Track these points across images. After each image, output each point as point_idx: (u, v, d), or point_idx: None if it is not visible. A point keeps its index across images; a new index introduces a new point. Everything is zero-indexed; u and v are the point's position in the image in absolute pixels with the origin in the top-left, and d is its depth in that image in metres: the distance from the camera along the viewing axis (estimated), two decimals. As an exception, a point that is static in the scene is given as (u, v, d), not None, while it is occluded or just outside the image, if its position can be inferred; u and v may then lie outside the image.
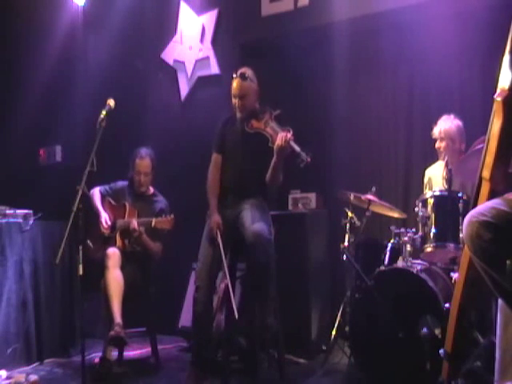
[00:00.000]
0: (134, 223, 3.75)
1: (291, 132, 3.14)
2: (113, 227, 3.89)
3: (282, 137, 3.10)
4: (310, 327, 4.00)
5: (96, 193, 4.01)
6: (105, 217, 3.90)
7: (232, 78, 3.43)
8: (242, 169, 3.36)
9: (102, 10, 5.55)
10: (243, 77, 3.37)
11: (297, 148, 3.11)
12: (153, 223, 3.72)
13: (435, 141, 3.70)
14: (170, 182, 4.81)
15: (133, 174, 4.03)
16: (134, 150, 4.05)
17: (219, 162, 3.45)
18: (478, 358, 2.43)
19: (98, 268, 3.64)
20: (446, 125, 3.63)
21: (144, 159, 3.98)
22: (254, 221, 3.16)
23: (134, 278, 3.78)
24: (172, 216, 3.74)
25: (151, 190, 4.13)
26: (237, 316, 3.07)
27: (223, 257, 3.20)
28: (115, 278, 3.58)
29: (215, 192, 3.39)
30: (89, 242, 3.89)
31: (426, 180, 3.85)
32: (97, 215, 3.90)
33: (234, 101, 3.40)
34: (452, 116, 3.66)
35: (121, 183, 4.14)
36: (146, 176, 4.01)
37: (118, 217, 3.93)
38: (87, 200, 3.74)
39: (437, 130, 3.67)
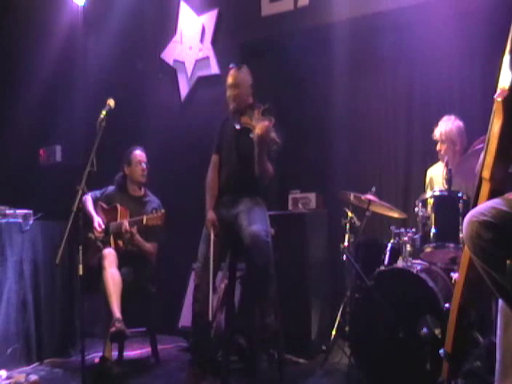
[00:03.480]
0: (125, 225, 3.77)
1: (272, 121, 3.07)
2: (106, 231, 3.91)
3: (261, 126, 3.03)
4: (310, 327, 4.00)
5: (88, 199, 4.01)
6: (98, 221, 3.92)
7: (228, 70, 3.46)
8: (235, 167, 3.36)
9: (102, 10, 5.55)
10: (238, 67, 3.44)
11: (276, 139, 3.07)
12: (144, 221, 3.72)
13: (436, 141, 3.69)
14: (170, 182, 4.81)
15: (129, 168, 4.06)
16: (127, 150, 4.09)
17: (217, 162, 3.46)
18: (478, 358, 2.43)
19: (96, 272, 3.65)
20: (446, 127, 3.61)
21: (142, 151, 4.09)
22: (251, 222, 3.14)
23: (133, 278, 3.79)
24: (163, 211, 3.74)
25: (142, 190, 4.14)
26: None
27: (210, 254, 3.19)
28: (112, 276, 3.59)
29: (212, 192, 3.40)
30: (90, 235, 3.91)
31: (427, 180, 3.85)
32: (90, 220, 3.91)
33: (229, 93, 3.42)
34: (453, 117, 3.65)
35: (111, 188, 4.16)
36: (146, 166, 4.06)
37: (110, 219, 3.95)
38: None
39: (437, 132, 3.65)
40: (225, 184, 3.40)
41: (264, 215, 3.28)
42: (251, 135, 3.13)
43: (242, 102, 3.39)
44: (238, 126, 3.32)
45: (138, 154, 4.07)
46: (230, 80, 3.43)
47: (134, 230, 3.79)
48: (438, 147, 3.68)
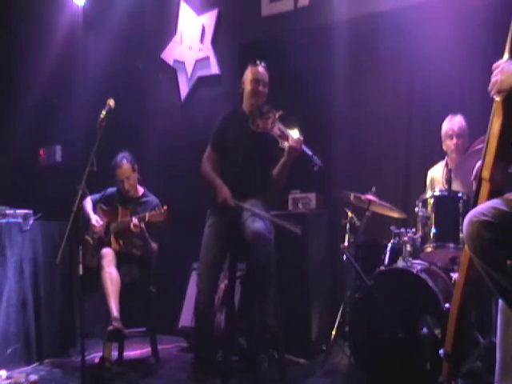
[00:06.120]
0: (135, 220, 3.69)
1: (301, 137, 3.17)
2: (106, 231, 3.90)
3: (297, 140, 3.15)
4: (310, 327, 4.00)
5: (87, 201, 4.00)
6: (95, 218, 3.91)
7: (254, 64, 3.43)
8: (244, 168, 3.33)
9: (102, 9, 5.55)
10: (267, 67, 3.42)
11: (308, 152, 3.14)
12: (146, 217, 3.68)
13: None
14: (170, 182, 4.81)
15: (118, 183, 4.03)
16: (112, 161, 3.99)
17: (214, 160, 3.42)
18: (478, 358, 2.44)
19: (96, 272, 3.65)
20: (460, 123, 3.57)
21: (122, 166, 3.95)
22: (254, 220, 3.13)
23: (132, 278, 3.79)
24: (165, 207, 3.69)
25: (140, 190, 4.10)
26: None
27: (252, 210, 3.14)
28: (110, 275, 3.58)
29: (216, 174, 3.33)
30: (87, 237, 3.90)
31: (428, 181, 3.84)
32: (88, 221, 3.90)
33: (258, 87, 3.36)
34: (459, 115, 3.64)
35: (110, 190, 4.14)
36: (129, 180, 3.98)
37: (111, 220, 3.94)
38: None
39: (455, 127, 3.58)
40: (229, 183, 3.31)
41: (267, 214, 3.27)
42: (281, 144, 3.19)
43: (263, 102, 3.36)
44: (256, 130, 3.27)
45: (117, 172, 3.95)
46: (261, 76, 3.38)
47: (143, 225, 3.72)
48: (450, 142, 3.61)
